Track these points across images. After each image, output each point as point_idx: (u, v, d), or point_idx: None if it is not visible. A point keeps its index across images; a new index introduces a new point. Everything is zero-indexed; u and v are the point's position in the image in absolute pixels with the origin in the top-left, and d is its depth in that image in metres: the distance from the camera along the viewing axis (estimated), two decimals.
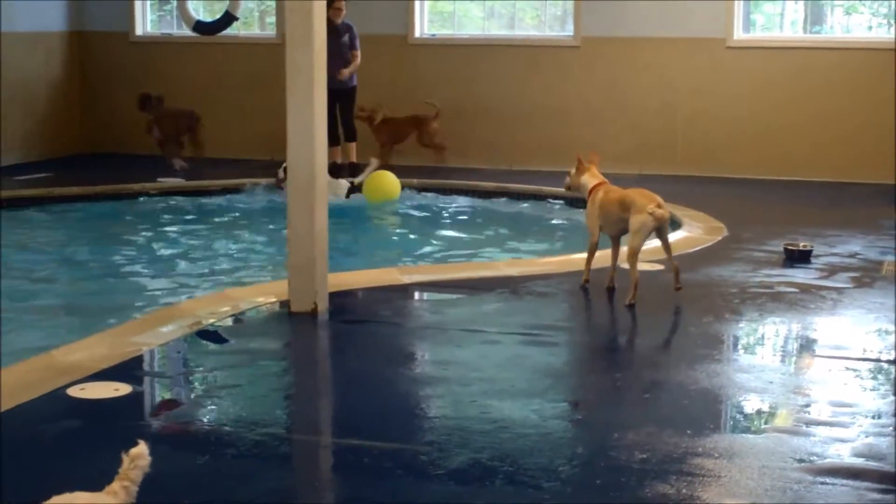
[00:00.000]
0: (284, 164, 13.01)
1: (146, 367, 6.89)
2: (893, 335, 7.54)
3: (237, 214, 13.03)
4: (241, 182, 13.86)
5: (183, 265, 10.56)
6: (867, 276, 9.28)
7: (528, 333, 7.53)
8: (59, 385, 6.22)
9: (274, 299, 8.22)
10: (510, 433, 5.64)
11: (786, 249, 9.90)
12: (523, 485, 5.02)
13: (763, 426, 5.95)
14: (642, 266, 8.74)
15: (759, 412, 6.20)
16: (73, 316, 8.74)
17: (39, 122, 16.53)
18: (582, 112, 15.52)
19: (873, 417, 5.94)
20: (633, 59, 15.40)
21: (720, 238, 10.76)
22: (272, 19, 17.25)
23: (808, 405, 6.17)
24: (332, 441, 5.86)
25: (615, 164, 14.12)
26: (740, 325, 7.95)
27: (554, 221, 12.64)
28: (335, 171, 13.61)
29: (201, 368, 7.00)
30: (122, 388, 6.23)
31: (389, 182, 13.40)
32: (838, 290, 8.76)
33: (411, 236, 11.96)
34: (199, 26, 15.76)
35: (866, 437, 5.65)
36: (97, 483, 3.59)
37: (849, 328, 7.84)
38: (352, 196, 13.42)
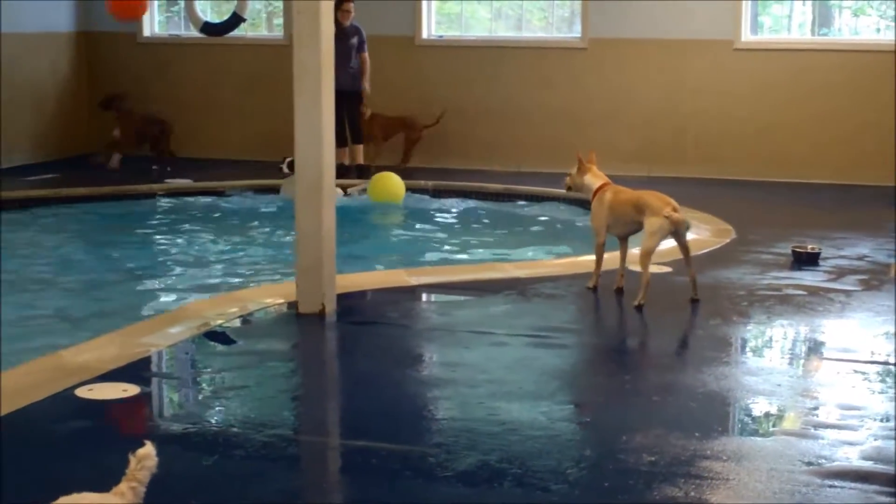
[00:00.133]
0: (289, 159, 13.19)
1: (155, 368, 6.90)
2: None
3: (245, 215, 13.02)
4: (250, 183, 13.84)
5: (191, 266, 10.55)
6: (875, 278, 9.27)
7: (536, 335, 7.53)
8: (68, 386, 6.23)
9: (282, 300, 8.22)
10: (518, 435, 5.64)
11: (794, 252, 9.89)
12: (531, 487, 5.02)
13: (771, 429, 5.95)
14: (653, 269, 8.74)
15: (767, 415, 6.20)
16: (81, 317, 8.74)
17: (47, 123, 16.54)
18: (590, 114, 15.50)
19: (882, 420, 5.93)
20: (640, 61, 15.39)
21: (728, 240, 10.75)
22: (280, 20, 17.26)
23: (816, 408, 6.16)
24: (340, 442, 5.86)
25: (623, 165, 14.15)
26: (748, 327, 7.94)
27: (562, 223, 12.62)
28: (342, 172, 13.60)
29: (209, 369, 7.01)
30: (130, 389, 6.23)
31: (394, 184, 13.38)
32: (846, 293, 8.75)
33: (419, 238, 11.96)
34: (207, 27, 15.76)
35: (875, 440, 5.64)
36: (105, 484, 3.59)
37: (857, 331, 7.83)
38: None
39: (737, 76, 15.03)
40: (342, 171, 13.60)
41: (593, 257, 8.87)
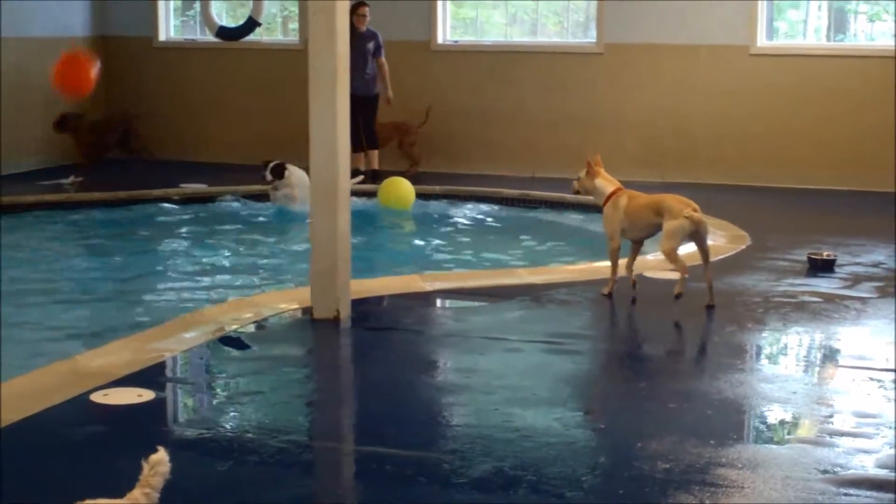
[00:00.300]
0: (272, 164, 13.17)
1: (169, 373, 6.91)
2: None
3: (261, 220, 13.03)
4: (266, 188, 13.84)
5: (205, 271, 10.56)
6: (891, 285, 9.23)
7: (550, 342, 7.52)
8: (83, 390, 6.24)
9: (296, 306, 8.23)
10: (533, 442, 5.64)
11: (809, 259, 9.87)
12: (546, 494, 5.01)
13: (786, 436, 5.93)
14: (667, 275, 8.74)
15: (782, 422, 6.18)
16: (96, 321, 8.76)
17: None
18: (605, 119, 15.49)
19: None
20: (656, 66, 15.37)
21: (743, 247, 10.73)
22: (295, 25, 17.28)
23: (831, 416, 6.14)
24: (354, 448, 5.86)
25: (637, 171, 14.15)
26: (764, 334, 7.92)
27: (576, 229, 12.61)
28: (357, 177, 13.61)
29: (224, 375, 7.00)
30: (145, 394, 6.24)
31: (404, 189, 13.36)
32: (862, 300, 8.73)
33: (433, 243, 11.95)
34: (222, 32, 15.82)
35: (890, 448, 5.62)
36: (119, 489, 3.59)
37: (872, 338, 7.80)
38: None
39: (753, 82, 15.00)
40: (356, 176, 13.61)
41: (608, 263, 8.86)
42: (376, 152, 15.18)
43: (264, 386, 6.64)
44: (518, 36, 16.58)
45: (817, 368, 7.37)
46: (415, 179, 14.01)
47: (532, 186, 14.42)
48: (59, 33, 16.56)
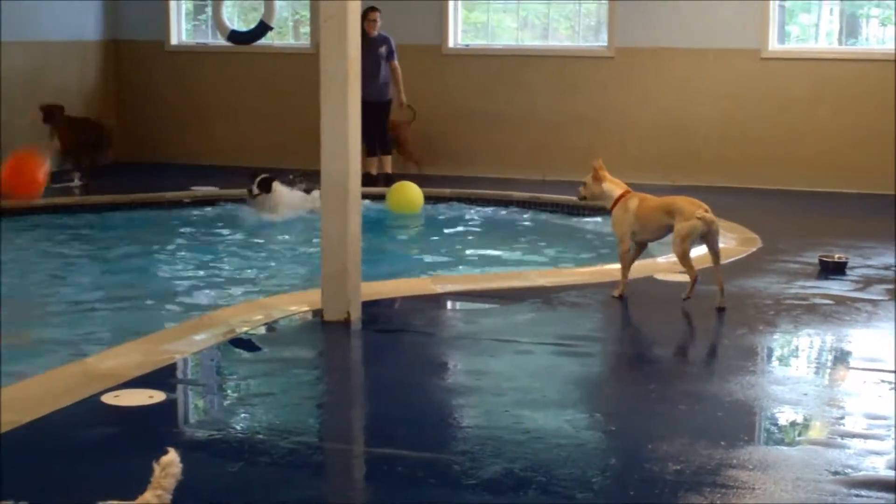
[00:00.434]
0: (260, 177, 13.12)
1: (180, 374, 6.91)
2: None
3: (271, 223, 13.04)
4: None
5: (216, 274, 10.58)
6: None
7: (561, 344, 7.52)
8: (94, 392, 6.25)
9: (307, 308, 8.23)
10: (543, 443, 5.63)
11: (821, 261, 9.86)
12: (556, 495, 5.00)
13: (797, 438, 5.92)
14: (677, 277, 8.73)
15: (793, 424, 6.17)
16: (107, 323, 8.78)
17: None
18: (616, 122, 15.49)
19: None
20: (667, 70, 15.37)
21: (754, 249, 10.72)
22: (306, 29, 17.29)
23: (842, 417, 6.13)
24: (364, 450, 5.86)
25: (648, 174, 14.15)
26: (775, 336, 7.92)
27: (586, 231, 12.61)
28: (370, 182, 13.62)
29: (234, 376, 7.01)
30: (156, 396, 6.25)
31: (413, 193, 13.36)
32: (873, 303, 8.72)
33: (443, 246, 11.95)
34: (234, 36, 15.84)
35: None
36: (130, 490, 3.59)
37: (884, 340, 7.77)
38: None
39: (764, 85, 14.99)
40: (369, 181, 13.63)
41: (618, 266, 8.86)
42: (389, 157, 15.19)
43: (275, 387, 6.64)
44: (529, 40, 16.59)
45: (828, 370, 7.36)
46: (425, 182, 14.00)
47: (542, 189, 14.42)
48: (72, 37, 16.63)
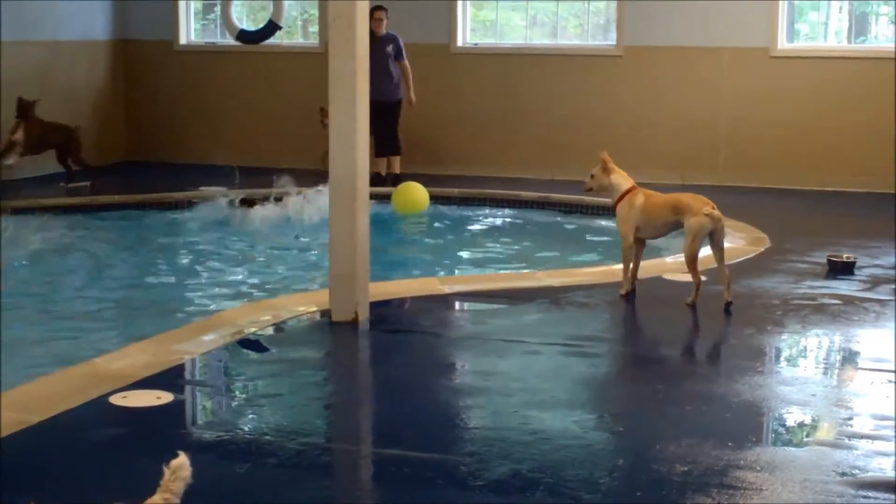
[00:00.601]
0: (241, 197, 13.12)
1: (188, 375, 6.92)
2: None
3: (279, 223, 13.04)
4: (286, 191, 13.84)
5: (224, 274, 10.59)
6: None
7: (568, 344, 7.52)
8: (101, 393, 6.26)
9: (315, 308, 8.24)
10: (551, 444, 5.64)
11: (829, 261, 9.84)
12: (564, 496, 5.00)
13: (805, 439, 5.92)
14: (685, 277, 8.72)
15: (801, 425, 6.17)
16: (115, 324, 8.79)
17: (84, 131, 16.60)
18: (625, 121, 15.48)
19: None
20: (676, 69, 15.36)
21: (763, 249, 10.71)
22: (315, 28, 17.30)
23: (850, 418, 6.13)
24: (372, 451, 5.87)
25: (657, 173, 14.13)
26: (783, 336, 7.91)
27: (595, 231, 12.60)
28: (378, 182, 13.61)
29: (242, 377, 7.01)
30: (164, 397, 6.25)
31: (417, 194, 13.35)
32: (881, 303, 8.70)
33: (451, 246, 11.95)
34: (243, 35, 15.83)
35: None
36: (138, 491, 3.59)
37: (892, 341, 7.76)
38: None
39: (773, 84, 14.97)
40: (378, 181, 13.62)
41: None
42: (398, 158, 15.17)
43: (283, 388, 6.65)
44: (538, 38, 16.59)
45: (836, 371, 7.36)
46: (433, 181, 14.01)
47: (551, 189, 14.41)
48: (81, 37, 16.65)
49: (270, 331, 7.83)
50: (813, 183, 14.75)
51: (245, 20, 16.81)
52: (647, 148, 15.12)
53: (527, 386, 6.62)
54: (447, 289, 9.15)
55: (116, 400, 6.17)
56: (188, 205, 13.79)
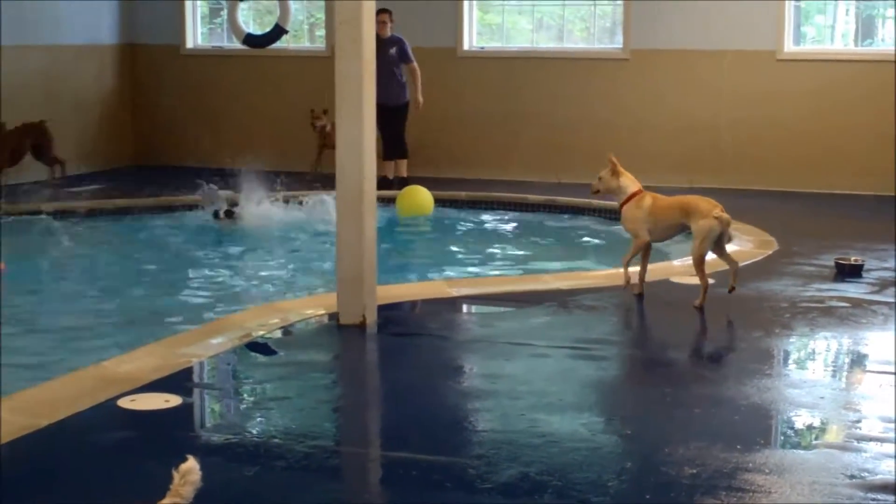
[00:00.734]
0: (227, 209, 13.07)
1: (196, 378, 6.92)
2: None
3: (287, 226, 13.05)
4: (295, 195, 13.83)
5: (233, 277, 10.59)
6: None
7: (576, 347, 7.52)
8: (110, 396, 6.26)
9: (323, 311, 8.23)
10: (559, 447, 5.63)
11: (837, 264, 9.84)
12: (572, 499, 5.00)
13: (814, 442, 5.91)
14: (693, 280, 8.72)
15: (809, 427, 6.17)
16: (123, 327, 8.78)
17: (91, 135, 16.66)
18: (631, 124, 15.48)
19: None
20: (682, 72, 15.36)
21: (771, 252, 10.70)
22: (322, 32, 17.31)
23: (859, 421, 6.12)
24: (380, 454, 5.87)
25: (664, 175, 14.13)
26: (791, 339, 7.90)
27: (602, 234, 12.60)
28: (385, 186, 13.61)
29: (251, 380, 7.02)
30: (172, 400, 6.26)
31: (422, 197, 13.35)
32: (889, 305, 8.69)
33: (458, 249, 11.95)
34: (250, 39, 15.84)
35: None
36: (146, 494, 3.60)
37: None
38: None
39: (780, 87, 14.96)
40: (385, 185, 13.61)
41: (634, 268, 8.86)
42: (405, 162, 15.18)
43: (291, 391, 6.65)
44: (544, 42, 16.60)
45: (845, 373, 7.35)
46: (439, 185, 14.01)
47: (558, 192, 14.41)
48: (88, 41, 16.68)
49: (278, 334, 7.83)
50: (820, 185, 14.74)
51: (251, 24, 16.83)
52: (653, 150, 15.12)
53: (535, 389, 6.62)
54: (455, 292, 9.15)
55: (125, 403, 6.17)
56: (192, 208, 13.79)
